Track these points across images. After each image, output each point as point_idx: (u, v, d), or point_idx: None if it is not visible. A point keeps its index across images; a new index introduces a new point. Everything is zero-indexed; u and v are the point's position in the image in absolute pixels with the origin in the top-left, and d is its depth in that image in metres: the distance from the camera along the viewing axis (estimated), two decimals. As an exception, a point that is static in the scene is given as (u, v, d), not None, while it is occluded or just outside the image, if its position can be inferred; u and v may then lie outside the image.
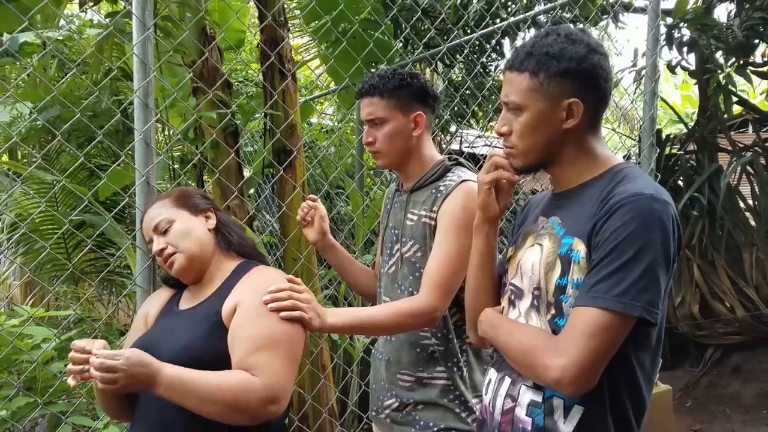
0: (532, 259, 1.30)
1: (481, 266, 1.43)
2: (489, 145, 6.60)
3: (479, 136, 6.84)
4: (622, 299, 1.11)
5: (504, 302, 1.40)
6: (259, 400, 1.39)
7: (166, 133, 3.56)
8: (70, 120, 3.47)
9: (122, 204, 1.96)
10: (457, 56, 5.14)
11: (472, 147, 6.69)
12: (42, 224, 4.32)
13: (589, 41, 1.26)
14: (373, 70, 3.97)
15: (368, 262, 2.94)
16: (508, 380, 1.31)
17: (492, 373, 1.38)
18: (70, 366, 1.32)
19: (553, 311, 1.24)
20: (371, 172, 5.62)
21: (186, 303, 1.63)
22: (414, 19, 4.37)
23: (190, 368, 1.39)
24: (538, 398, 1.23)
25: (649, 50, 2.84)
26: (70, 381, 1.31)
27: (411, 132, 1.86)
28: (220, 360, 1.45)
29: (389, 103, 1.83)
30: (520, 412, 1.25)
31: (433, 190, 1.85)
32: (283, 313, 1.51)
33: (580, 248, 1.20)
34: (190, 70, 2.55)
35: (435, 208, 1.81)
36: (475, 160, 3.83)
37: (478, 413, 1.44)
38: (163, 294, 1.73)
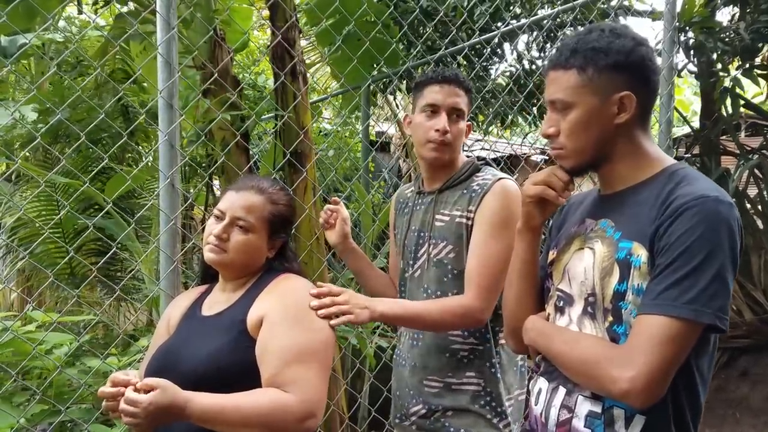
0: (584, 264, 1.26)
1: (523, 273, 1.39)
2: (488, 149, 6.59)
3: (478, 140, 6.84)
4: (692, 306, 1.08)
5: (549, 308, 1.36)
6: (295, 420, 1.35)
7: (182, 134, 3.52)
8: (76, 121, 3.44)
9: (147, 207, 1.90)
10: (460, 59, 5.11)
11: (471, 150, 6.68)
12: (43, 228, 4.26)
13: (635, 35, 1.24)
14: (376, 72, 3.96)
15: (379, 267, 2.91)
16: (562, 390, 1.26)
17: (542, 383, 1.33)
18: (104, 394, 1.29)
19: (611, 318, 1.20)
20: (369, 175, 5.59)
21: (210, 308, 1.57)
22: (430, 24, 4.34)
23: (217, 380, 1.36)
24: (598, 409, 1.20)
25: (666, 52, 2.83)
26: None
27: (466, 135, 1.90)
28: (247, 370, 1.41)
29: (468, 102, 1.88)
30: (578, 424, 1.22)
31: (465, 190, 1.82)
32: (333, 321, 1.49)
33: (640, 252, 1.16)
34: (206, 70, 2.50)
35: (472, 207, 1.78)
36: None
37: (526, 424, 1.40)
38: (186, 298, 1.67)
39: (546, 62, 1.33)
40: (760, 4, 4.33)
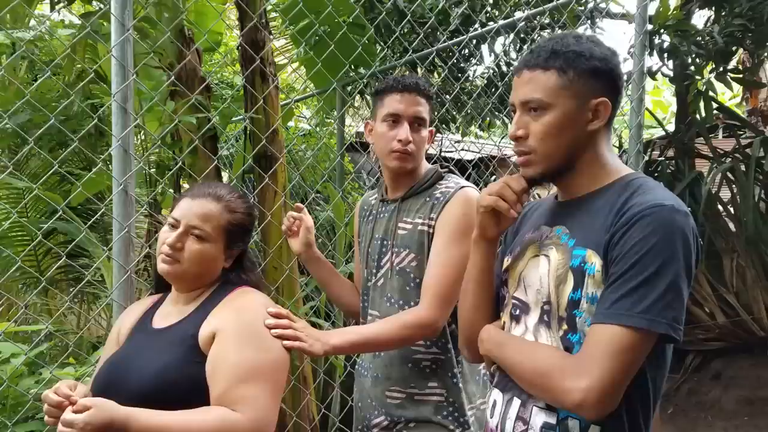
0: (540, 272, 1.23)
1: (479, 282, 1.36)
2: (467, 150, 6.58)
3: (458, 141, 6.83)
4: (646, 316, 1.06)
5: (505, 317, 1.33)
6: None
7: (143, 137, 3.45)
8: (39, 124, 3.36)
9: (99, 213, 1.85)
10: (434, 61, 5.09)
11: (449, 152, 6.67)
12: (11, 230, 4.17)
13: (609, 46, 1.24)
14: (353, 73, 3.92)
15: (349, 272, 2.87)
16: (517, 402, 1.24)
17: (496, 395, 1.31)
18: (46, 407, 1.26)
19: (565, 326, 1.18)
20: (351, 177, 5.55)
21: (162, 320, 1.51)
22: (400, 23, 4.31)
23: (165, 396, 1.31)
24: (552, 420, 1.17)
25: (637, 56, 2.81)
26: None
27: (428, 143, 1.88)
28: (196, 387, 1.36)
29: (430, 110, 1.84)
30: None
31: (428, 198, 1.79)
32: (286, 343, 1.45)
33: (594, 261, 1.14)
34: (169, 73, 2.45)
35: (433, 215, 1.75)
36: (457, 165, 3.80)
37: None
38: (138, 308, 1.62)
39: (518, 64, 1.28)
40: (734, 7, 4.35)
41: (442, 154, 5.80)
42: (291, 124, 6.51)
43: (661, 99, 14.18)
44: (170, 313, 1.52)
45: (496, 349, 1.28)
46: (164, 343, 1.44)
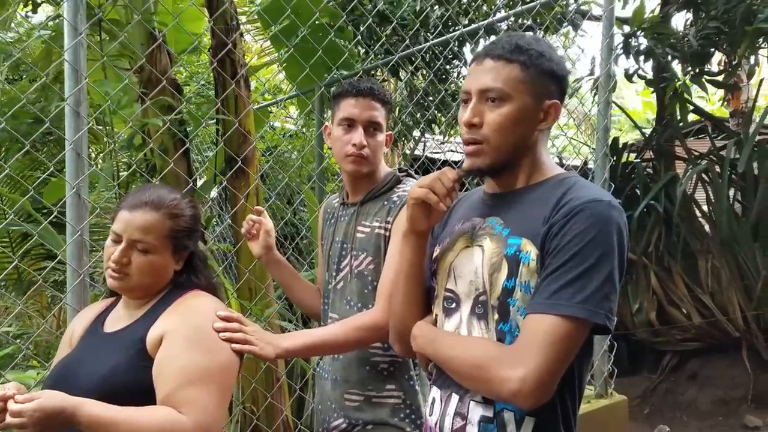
0: (474, 262, 1.23)
1: (410, 276, 1.35)
2: (453, 150, 6.60)
3: (442, 143, 6.84)
4: (585, 306, 1.08)
5: (437, 309, 1.33)
6: None
7: (107, 140, 3.44)
8: (12, 127, 3.35)
9: (52, 216, 1.85)
10: (418, 63, 5.11)
11: (434, 153, 6.68)
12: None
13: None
14: (333, 75, 3.93)
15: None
16: (455, 397, 1.24)
17: (435, 392, 1.31)
18: None
19: (497, 316, 1.18)
20: (334, 176, 5.55)
21: (112, 324, 1.51)
22: (371, 23, 4.32)
23: (112, 400, 1.30)
24: (489, 413, 1.18)
25: (603, 59, 2.83)
26: None
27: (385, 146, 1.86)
28: (143, 391, 1.36)
29: (386, 114, 1.82)
30: (472, 430, 1.19)
31: (386, 201, 1.80)
32: (235, 346, 1.44)
33: (530, 249, 1.15)
34: (132, 74, 2.44)
35: (390, 218, 1.76)
36: (437, 166, 3.82)
37: None
38: (90, 312, 1.62)
39: (478, 52, 1.27)
40: (710, 10, 4.38)
41: (428, 155, 5.82)
42: (277, 125, 6.52)
43: (650, 100, 14.22)
44: (121, 317, 1.51)
45: (429, 345, 1.28)
46: (113, 346, 1.44)
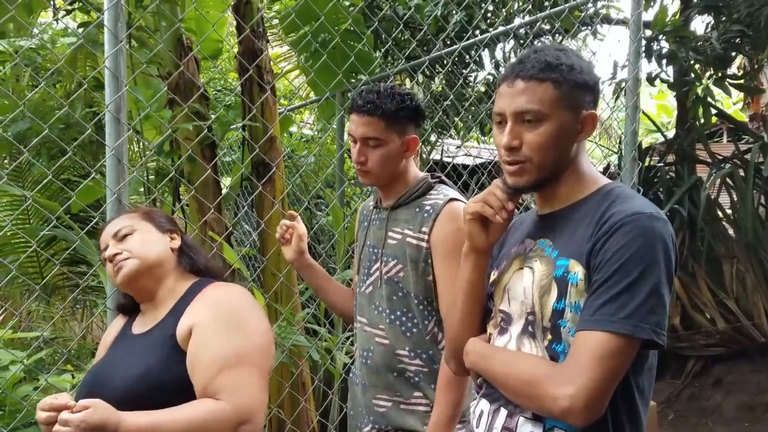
0: (524, 284, 1.24)
1: (471, 295, 1.35)
2: (469, 155, 6.59)
3: (459, 147, 6.84)
4: (630, 321, 1.07)
5: (491, 329, 1.34)
6: (229, 427, 1.32)
7: (141, 146, 3.47)
8: (40, 132, 3.39)
9: (94, 221, 1.87)
10: (438, 68, 5.12)
11: (453, 157, 6.67)
12: (13, 237, 4.20)
13: (586, 59, 1.28)
14: (353, 80, 3.94)
15: (348, 278, 2.88)
16: (504, 412, 1.24)
17: (484, 405, 1.31)
18: (42, 415, 1.26)
19: (550, 336, 1.18)
20: (352, 182, 5.56)
21: (140, 326, 1.53)
22: (396, 30, 4.34)
23: (150, 399, 1.33)
24: (539, 429, 1.17)
25: (631, 63, 2.82)
26: None
27: (403, 154, 1.81)
28: (181, 385, 1.37)
29: (388, 125, 1.76)
30: None
31: (417, 209, 1.79)
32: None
33: (577, 270, 1.15)
34: (165, 83, 2.47)
35: (425, 229, 1.75)
36: (455, 171, 3.82)
37: None
38: (121, 320, 1.64)
39: (506, 72, 1.27)
40: (732, 13, 4.36)
41: (444, 159, 5.81)
42: (293, 129, 6.54)
43: (665, 103, 14.12)
44: (147, 318, 1.54)
45: (482, 360, 1.28)
46: (145, 346, 1.45)
